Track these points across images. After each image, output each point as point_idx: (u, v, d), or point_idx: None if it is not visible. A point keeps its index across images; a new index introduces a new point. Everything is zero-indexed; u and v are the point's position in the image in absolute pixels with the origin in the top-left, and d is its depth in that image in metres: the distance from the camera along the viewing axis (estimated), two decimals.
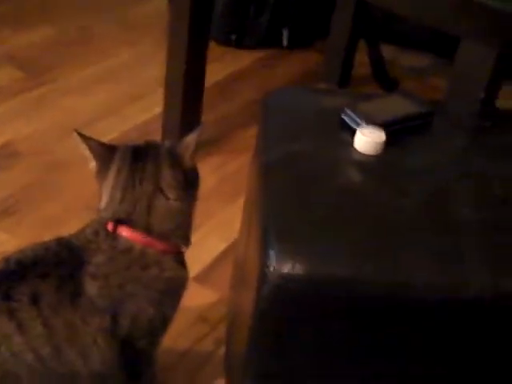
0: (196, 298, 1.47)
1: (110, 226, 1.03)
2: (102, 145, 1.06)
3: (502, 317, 0.92)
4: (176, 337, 1.34)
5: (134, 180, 1.03)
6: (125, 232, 1.02)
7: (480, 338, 0.95)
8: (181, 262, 1.08)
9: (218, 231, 1.72)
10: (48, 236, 1.06)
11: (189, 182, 1.06)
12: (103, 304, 1.00)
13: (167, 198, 1.03)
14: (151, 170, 1.04)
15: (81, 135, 1.04)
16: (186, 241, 1.09)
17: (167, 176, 1.03)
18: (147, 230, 1.03)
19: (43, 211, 1.72)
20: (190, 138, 1.05)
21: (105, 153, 1.05)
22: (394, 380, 0.99)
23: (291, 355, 0.97)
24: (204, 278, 1.57)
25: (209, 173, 1.89)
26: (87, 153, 1.05)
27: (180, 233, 1.07)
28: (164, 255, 1.04)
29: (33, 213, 1.71)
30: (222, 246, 1.67)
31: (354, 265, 0.91)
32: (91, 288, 1.00)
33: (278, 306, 0.91)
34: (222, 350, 1.37)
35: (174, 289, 1.07)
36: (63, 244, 1.04)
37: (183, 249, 1.09)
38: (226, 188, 1.88)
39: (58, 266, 1.01)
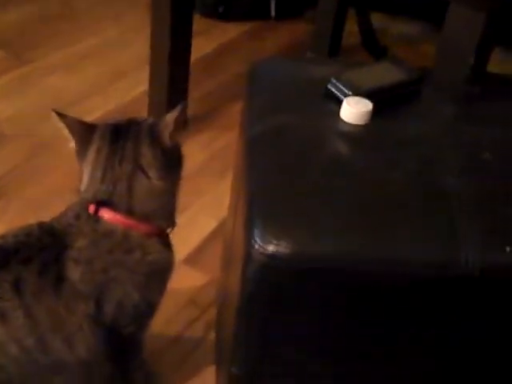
0: (185, 280, 1.44)
1: (91, 209, 1.00)
2: (81, 123, 1.02)
3: (492, 292, 0.90)
4: (165, 321, 1.32)
5: (113, 159, 1.00)
6: (106, 214, 0.99)
7: (472, 313, 0.92)
8: (166, 244, 1.05)
9: (208, 209, 1.68)
10: (36, 220, 1.03)
11: (170, 161, 1.02)
12: (86, 289, 0.97)
13: (148, 178, 1.00)
14: (131, 148, 1.00)
15: (59, 114, 1.00)
16: (171, 222, 1.06)
17: (147, 155, 1.00)
18: (129, 212, 1.00)
19: (30, 195, 1.68)
20: (170, 117, 1.01)
21: (84, 131, 1.02)
22: (383, 359, 0.97)
23: (279, 338, 0.94)
24: (193, 259, 1.53)
25: (197, 150, 1.86)
26: (66, 132, 1.01)
27: (163, 213, 1.04)
28: (148, 238, 1.01)
29: (19, 197, 1.68)
30: (213, 225, 1.64)
31: (341, 242, 0.88)
32: (74, 273, 0.97)
33: (264, 287, 0.89)
34: (213, 335, 1.35)
35: (159, 272, 1.04)
36: (45, 229, 1.01)
37: (168, 230, 1.06)
38: (215, 165, 1.85)
39: (40, 252, 0.98)
